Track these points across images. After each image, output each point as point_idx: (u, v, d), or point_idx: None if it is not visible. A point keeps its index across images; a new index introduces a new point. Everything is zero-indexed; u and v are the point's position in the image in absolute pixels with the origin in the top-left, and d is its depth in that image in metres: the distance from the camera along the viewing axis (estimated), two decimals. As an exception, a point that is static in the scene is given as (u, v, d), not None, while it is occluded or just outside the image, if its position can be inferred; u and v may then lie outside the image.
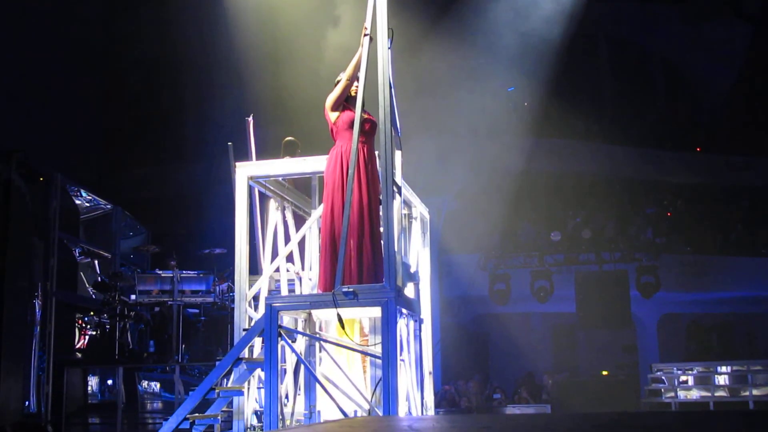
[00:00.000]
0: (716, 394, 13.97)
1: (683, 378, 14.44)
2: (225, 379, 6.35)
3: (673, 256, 17.52)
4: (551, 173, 17.98)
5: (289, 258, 6.96)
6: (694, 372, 14.45)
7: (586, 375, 17.71)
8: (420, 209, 7.49)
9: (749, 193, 19.64)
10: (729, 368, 14.21)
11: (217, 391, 6.07)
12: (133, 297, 10.57)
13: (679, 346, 18.19)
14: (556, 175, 18.00)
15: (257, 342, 6.37)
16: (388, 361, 5.53)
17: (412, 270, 6.83)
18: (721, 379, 14.22)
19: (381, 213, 6.01)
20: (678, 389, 14.28)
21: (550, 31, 15.10)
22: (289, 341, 6.02)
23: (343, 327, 5.88)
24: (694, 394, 14.15)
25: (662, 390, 14.44)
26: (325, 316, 6.31)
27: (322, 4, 10.60)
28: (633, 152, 19.05)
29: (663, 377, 14.57)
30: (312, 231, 6.94)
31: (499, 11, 14.84)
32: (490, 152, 16.32)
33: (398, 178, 6.19)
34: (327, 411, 6.17)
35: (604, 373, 17.40)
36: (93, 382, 11.51)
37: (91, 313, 11.19)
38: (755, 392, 13.47)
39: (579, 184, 17.66)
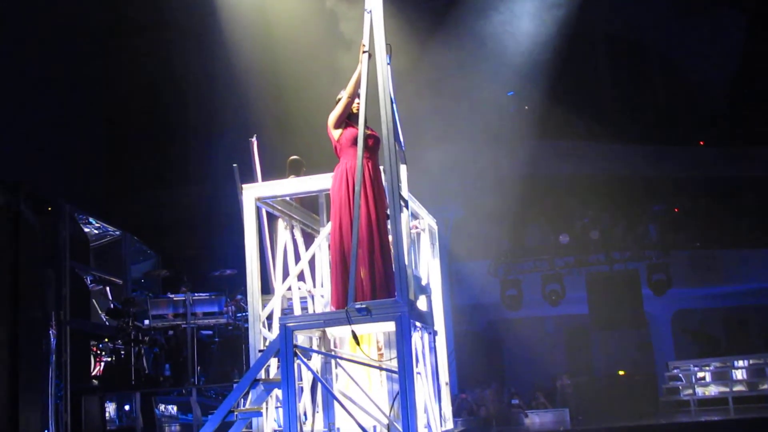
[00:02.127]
0: (734, 389, 13.92)
1: (700, 374, 14.39)
2: (243, 401, 6.37)
3: (683, 252, 17.51)
4: (556, 176, 17.99)
5: (300, 276, 6.98)
6: (711, 368, 14.40)
7: (603, 376, 17.67)
8: (428, 221, 7.51)
9: (755, 185, 19.62)
10: (746, 362, 14.17)
11: (235, 413, 6.08)
12: (146, 322, 10.58)
13: (695, 342, 18.14)
14: (561, 177, 18.01)
15: (273, 362, 6.39)
16: (404, 375, 5.54)
17: (424, 282, 6.84)
18: (739, 374, 14.17)
19: (389, 227, 6.04)
20: (696, 386, 14.24)
21: (546, 33, 15.13)
22: (305, 360, 6.03)
23: (358, 344, 5.89)
24: (713, 390, 14.11)
25: (680, 387, 14.40)
26: (339, 332, 6.33)
27: (322, 23, 10.69)
28: (636, 150, 19.07)
29: (680, 375, 14.53)
30: (322, 248, 6.97)
31: (493, 16, 14.90)
32: (494, 158, 16.35)
33: (404, 192, 6.22)
34: (346, 427, 6.17)
35: (621, 373, 17.35)
36: (110, 408, 11.54)
37: (106, 339, 11.22)
38: (774, 385, 13.44)
39: (584, 186, 17.66)
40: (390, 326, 5.87)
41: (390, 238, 6.01)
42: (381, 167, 6.23)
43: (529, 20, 14.87)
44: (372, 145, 6.27)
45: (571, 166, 18.12)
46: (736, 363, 14.28)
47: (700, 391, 14.20)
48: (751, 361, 14.10)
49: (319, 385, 6.36)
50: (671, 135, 19.92)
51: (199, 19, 13.84)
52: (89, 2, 14.44)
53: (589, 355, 19.70)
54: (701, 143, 20.47)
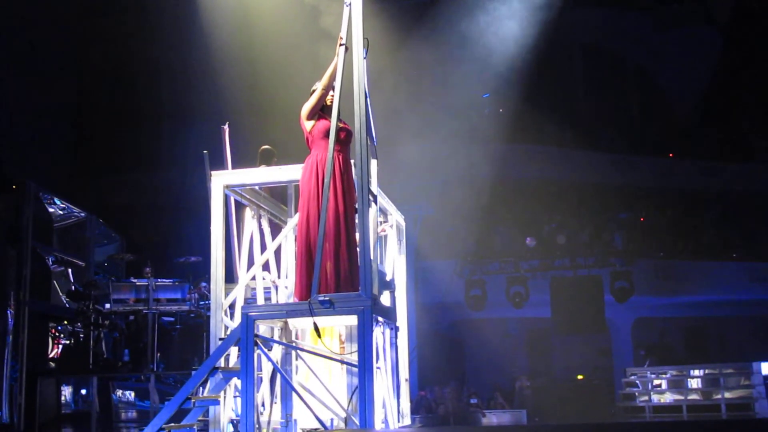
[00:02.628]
0: (689, 397, 14.11)
1: (657, 382, 14.56)
2: (201, 389, 6.33)
3: (646, 260, 17.72)
4: (526, 179, 18.12)
5: (265, 266, 6.96)
6: (668, 375, 14.57)
7: (562, 379, 17.82)
8: (396, 217, 7.53)
9: (720, 199, 19.92)
10: (701, 371, 14.36)
11: (193, 400, 6.05)
12: (107, 306, 10.47)
13: (650, 355, 18.35)
14: (531, 181, 18.14)
15: (233, 351, 6.37)
16: (364, 369, 5.55)
17: (388, 278, 6.86)
18: (694, 383, 14.35)
19: (356, 221, 6.04)
20: (652, 393, 14.40)
21: (525, 38, 15.21)
22: (266, 350, 6.01)
23: (319, 336, 5.89)
24: (668, 398, 14.28)
25: (636, 394, 14.56)
26: (301, 324, 6.32)
27: (299, 14, 10.64)
28: (606, 158, 19.27)
29: (637, 381, 14.69)
30: (288, 239, 6.94)
31: (473, 19, 14.93)
32: (466, 158, 16.43)
33: (374, 187, 6.22)
34: (303, 419, 6.17)
35: (579, 377, 17.53)
36: (66, 391, 11.40)
37: (65, 322, 11.08)
38: (727, 395, 13.63)
39: (553, 190, 17.81)
40: (352, 320, 5.88)
41: (357, 232, 6.01)
42: (352, 161, 6.23)
43: (508, 24, 14.93)
44: (344, 139, 6.27)
45: (541, 170, 18.26)
46: (692, 372, 14.47)
47: (655, 398, 14.37)
48: (706, 371, 14.29)
49: (279, 376, 6.34)
50: (641, 145, 20.16)
51: (176, 3, 13.69)
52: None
53: (550, 358, 19.90)
54: (671, 155, 20.74)
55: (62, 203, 12.06)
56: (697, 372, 14.41)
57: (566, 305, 16.66)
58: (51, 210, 11.93)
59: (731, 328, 19.78)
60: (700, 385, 14.18)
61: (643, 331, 19.20)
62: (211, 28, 13.07)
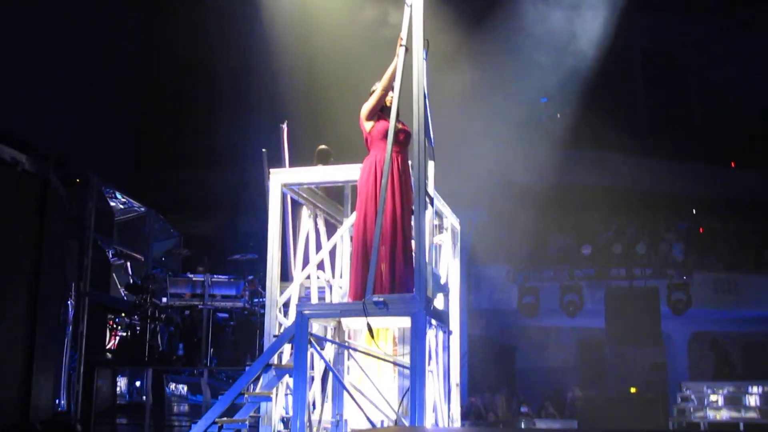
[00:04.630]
0: (746, 415, 13.74)
1: (713, 398, 14.21)
2: (253, 385, 6.38)
3: (705, 273, 17.31)
4: (583, 186, 17.86)
5: (320, 265, 6.98)
6: (724, 392, 14.21)
7: (614, 392, 17.51)
8: (451, 220, 7.49)
9: (784, 211, 19.35)
10: (760, 389, 13.96)
11: (246, 396, 6.10)
12: (164, 300, 10.65)
13: (710, 365, 17.92)
14: (588, 188, 17.87)
15: (286, 348, 6.40)
16: (416, 371, 5.53)
17: (442, 281, 6.82)
18: (752, 400, 13.97)
19: (413, 223, 6.02)
20: (707, 409, 14.06)
21: (585, 42, 15.01)
22: (319, 349, 6.03)
23: (372, 336, 5.89)
24: (724, 415, 13.92)
25: (691, 409, 14.23)
26: (354, 324, 6.32)
27: (357, 14, 10.68)
28: (666, 166, 18.88)
29: (692, 396, 14.35)
30: (344, 239, 6.96)
31: (534, 22, 14.79)
32: (522, 164, 16.25)
33: (431, 189, 6.20)
34: (354, 419, 6.17)
35: (633, 390, 17.19)
36: (122, 382, 11.65)
37: (123, 314, 11.32)
38: (787, 414, 13.25)
39: (611, 198, 17.51)
40: (406, 322, 5.86)
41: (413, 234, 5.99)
42: (409, 162, 6.21)
43: (570, 28, 14.75)
44: (402, 140, 6.25)
45: (599, 177, 17.99)
46: (750, 389, 14.08)
47: (711, 414, 14.02)
48: (765, 388, 13.89)
49: (330, 375, 6.36)
50: (703, 154, 19.70)
51: (238, 4, 13.88)
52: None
53: (603, 369, 19.55)
54: (732, 164, 20.26)
55: (123, 198, 12.32)
56: (755, 389, 14.01)
57: (621, 316, 16.37)
58: (112, 204, 12.21)
59: (792, 345, 19.19)
60: (758, 403, 13.79)
61: (699, 345, 18.75)
62: (272, 29, 13.19)
